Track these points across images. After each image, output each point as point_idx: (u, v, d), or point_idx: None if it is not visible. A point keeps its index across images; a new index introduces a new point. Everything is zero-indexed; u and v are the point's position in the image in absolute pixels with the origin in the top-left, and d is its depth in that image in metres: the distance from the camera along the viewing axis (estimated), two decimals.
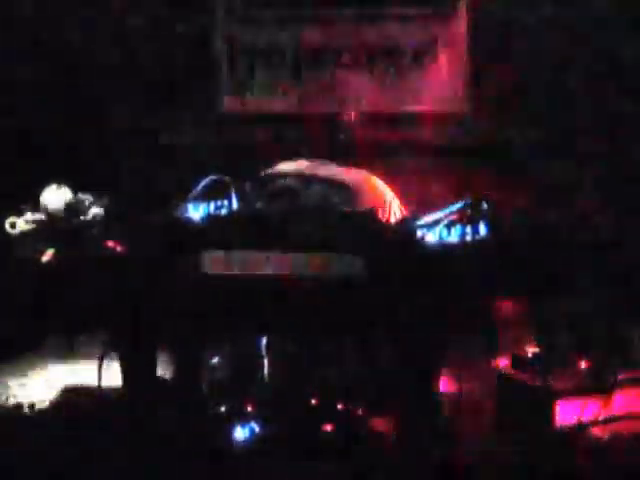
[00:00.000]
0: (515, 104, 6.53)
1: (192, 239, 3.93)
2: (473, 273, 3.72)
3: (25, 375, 5.32)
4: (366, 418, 4.49)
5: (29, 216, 4.06)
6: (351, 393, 4.55)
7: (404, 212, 4.86)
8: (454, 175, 6.43)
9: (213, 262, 3.68)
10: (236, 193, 4.23)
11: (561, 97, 6.46)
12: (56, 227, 4.03)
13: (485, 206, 3.87)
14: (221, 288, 3.60)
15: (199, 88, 6.91)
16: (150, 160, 6.61)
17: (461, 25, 6.73)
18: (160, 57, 6.82)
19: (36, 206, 4.14)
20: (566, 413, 4.32)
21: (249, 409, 4.43)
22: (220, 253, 3.76)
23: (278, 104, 6.92)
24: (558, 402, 4.33)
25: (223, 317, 3.68)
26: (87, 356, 5.02)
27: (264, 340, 4.62)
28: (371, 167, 5.22)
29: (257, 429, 4.36)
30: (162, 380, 4.36)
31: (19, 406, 4.88)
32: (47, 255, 3.81)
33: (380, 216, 4.54)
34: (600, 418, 4.30)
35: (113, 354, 4.11)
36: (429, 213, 3.96)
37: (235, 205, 4.20)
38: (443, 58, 6.75)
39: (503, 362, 4.61)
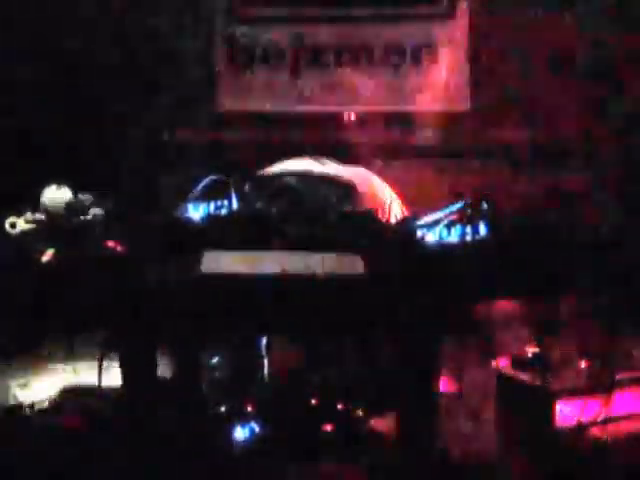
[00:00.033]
0: (515, 104, 6.53)
1: (192, 239, 3.93)
2: (473, 273, 3.72)
3: (25, 375, 5.31)
4: (366, 418, 4.49)
5: (29, 216, 4.06)
6: (351, 393, 4.55)
7: (404, 212, 4.86)
8: (454, 175, 6.43)
9: (213, 262, 3.68)
10: (236, 193, 4.23)
11: (561, 97, 6.45)
12: (56, 227, 4.02)
13: (485, 206, 3.87)
14: (221, 288, 3.59)
15: (199, 88, 6.91)
16: (150, 160, 6.61)
17: (461, 25, 6.73)
18: (160, 57, 6.82)
19: (36, 206, 4.13)
20: (566, 413, 4.32)
21: (249, 409, 4.43)
22: (220, 253, 3.76)
23: (278, 104, 6.92)
24: (558, 402, 4.32)
25: (223, 317, 3.68)
26: (87, 356, 5.02)
27: (264, 340, 4.62)
28: (371, 167, 5.22)
29: (257, 429, 4.36)
30: (162, 380, 4.36)
31: (19, 406, 4.88)
32: (47, 255, 3.80)
33: (380, 216, 4.54)
34: (600, 418, 4.30)
35: (113, 354, 4.11)
36: (429, 213, 3.96)
37: (235, 205, 4.20)
38: (443, 58, 6.76)
39: (503, 362, 4.61)
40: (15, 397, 5.03)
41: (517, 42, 6.54)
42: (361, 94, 6.83)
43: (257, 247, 3.85)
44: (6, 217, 4.04)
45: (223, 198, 4.21)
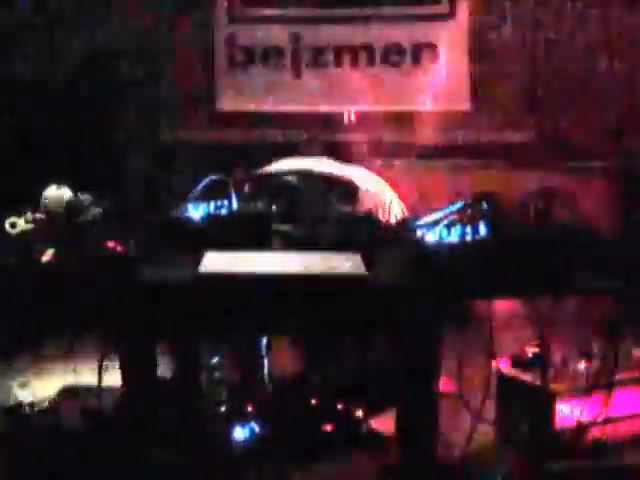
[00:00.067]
0: (515, 104, 6.53)
1: (192, 239, 3.93)
2: (473, 273, 3.72)
3: (25, 375, 5.32)
4: (366, 418, 4.49)
5: (29, 216, 4.06)
6: (351, 393, 4.55)
7: (404, 212, 4.86)
8: (454, 175, 6.43)
9: (213, 262, 3.68)
10: (236, 193, 4.23)
11: (562, 95, 6.46)
12: (56, 227, 4.02)
13: (485, 206, 3.87)
14: (221, 288, 3.59)
15: (198, 87, 6.91)
16: (150, 160, 6.61)
17: (461, 25, 6.74)
18: (160, 56, 6.82)
19: (36, 206, 4.13)
20: (566, 413, 4.32)
21: (249, 409, 4.43)
22: (220, 253, 3.76)
23: (278, 104, 6.92)
24: (558, 402, 4.32)
25: (223, 317, 3.68)
26: (87, 356, 5.02)
27: (264, 340, 4.62)
28: (371, 167, 5.23)
29: (257, 429, 4.36)
30: (162, 380, 4.36)
31: (19, 406, 4.88)
32: (47, 255, 3.80)
33: (380, 215, 4.54)
34: (600, 418, 4.30)
35: (113, 354, 4.11)
36: (429, 213, 3.96)
37: (235, 205, 4.20)
38: (443, 58, 6.76)
39: (503, 362, 4.61)
40: (15, 397, 5.03)
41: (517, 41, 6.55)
42: (361, 94, 6.83)
43: (257, 247, 3.85)
44: (6, 217, 4.04)
45: (223, 198, 4.21)
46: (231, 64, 6.97)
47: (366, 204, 4.57)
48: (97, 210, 4.09)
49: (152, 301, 3.68)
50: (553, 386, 4.36)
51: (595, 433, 4.31)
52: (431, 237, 3.85)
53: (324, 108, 6.87)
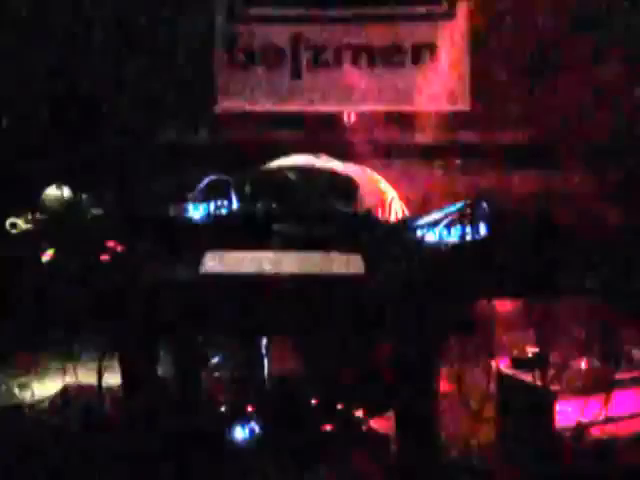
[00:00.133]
0: (515, 103, 6.53)
1: (192, 239, 3.93)
2: (473, 273, 3.72)
3: (25, 375, 5.32)
4: (366, 418, 4.49)
5: (29, 216, 4.06)
6: (351, 393, 4.55)
7: (405, 211, 4.86)
8: (454, 175, 6.43)
9: (213, 262, 3.68)
10: (236, 193, 4.23)
11: (562, 95, 6.46)
12: (56, 227, 4.02)
13: (485, 206, 3.87)
14: (221, 288, 3.59)
15: (198, 87, 6.91)
16: (150, 160, 6.61)
17: (461, 25, 6.74)
18: (160, 56, 6.82)
19: (36, 206, 4.13)
20: (566, 413, 4.32)
21: (249, 409, 4.43)
22: (220, 253, 3.76)
23: (278, 104, 6.92)
24: (558, 402, 4.32)
25: (223, 317, 3.68)
26: (87, 356, 5.02)
27: (264, 340, 4.62)
28: (371, 167, 5.22)
29: (257, 429, 4.36)
30: (162, 380, 4.36)
31: (19, 406, 4.88)
32: (47, 255, 3.80)
33: (381, 213, 4.54)
34: (600, 418, 4.30)
35: (113, 354, 4.11)
36: (429, 213, 3.96)
37: (235, 205, 4.20)
38: (443, 58, 6.76)
39: (503, 362, 4.61)
40: (15, 397, 5.03)
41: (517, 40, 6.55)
42: (361, 94, 6.83)
43: (257, 247, 3.85)
44: (6, 217, 4.04)
45: (223, 198, 4.21)
46: (231, 64, 6.97)
47: (366, 200, 4.56)
48: (97, 210, 4.09)
49: (152, 301, 3.68)
50: (553, 386, 4.35)
51: (595, 433, 4.31)
52: (431, 237, 3.85)
53: (324, 108, 6.87)
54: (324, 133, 6.66)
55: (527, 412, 4.40)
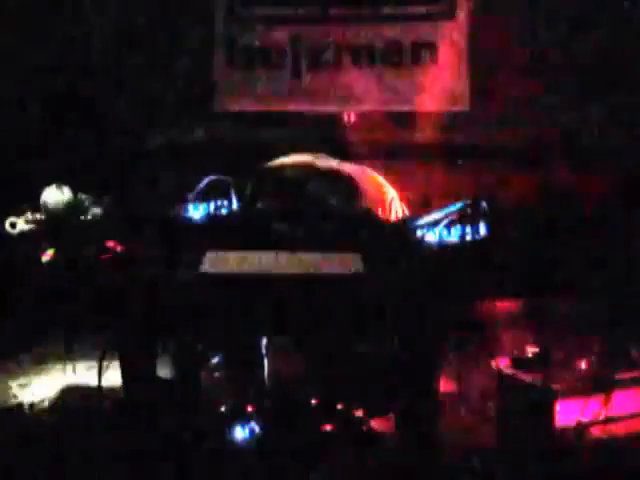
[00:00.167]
0: (516, 103, 6.53)
1: (192, 239, 3.93)
2: (473, 273, 3.72)
3: (25, 375, 5.32)
4: (366, 418, 4.49)
5: (29, 216, 4.06)
6: (351, 393, 4.54)
7: (405, 211, 4.86)
8: (454, 175, 6.43)
9: (213, 262, 3.68)
10: (236, 193, 4.23)
11: (562, 94, 6.46)
12: (56, 227, 4.02)
13: (485, 206, 3.87)
14: (221, 288, 3.59)
15: (199, 88, 6.91)
16: (150, 160, 6.61)
17: (461, 25, 6.73)
18: (160, 56, 6.82)
19: (36, 206, 4.13)
20: (566, 413, 4.32)
21: (249, 409, 4.42)
22: (220, 253, 3.76)
23: (278, 104, 6.92)
24: (558, 402, 4.32)
25: (223, 317, 3.68)
26: (87, 356, 5.02)
27: (264, 340, 4.61)
28: (371, 167, 5.22)
29: (257, 429, 4.36)
30: (162, 380, 4.36)
31: (19, 406, 4.88)
32: (47, 255, 3.80)
33: (381, 213, 4.53)
34: (600, 418, 4.30)
35: (113, 354, 4.11)
36: (429, 213, 3.96)
37: (235, 205, 4.20)
38: (443, 58, 6.75)
39: (503, 362, 4.61)
40: (15, 397, 5.03)
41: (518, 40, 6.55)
42: (361, 94, 6.83)
43: (257, 247, 3.85)
44: (6, 217, 4.04)
45: (223, 198, 4.21)
46: (231, 64, 6.97)
47: (367, 199, 4.56)
48: (97, 210, 4.09)
49: (152, 301, 3.68)
50: (553, 386, 4.35)
51: (595, 433, 4.31)
52: (431, 237, 3.85)
53: (324, 108, 6.87)
54: (324, 133, 6.65)
55: (527, 412, 4.40)
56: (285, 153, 5.04)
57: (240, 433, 4.34)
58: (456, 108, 6.73)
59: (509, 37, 6.60)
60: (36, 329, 4.92)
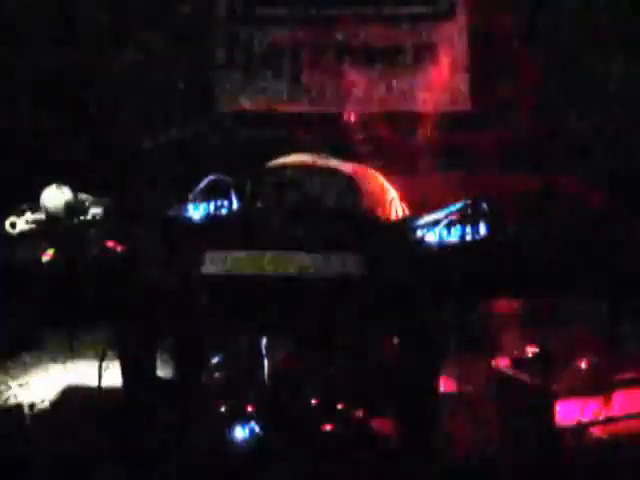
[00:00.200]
0: (516, 103, 6.53)
1: (192, 239, 3.93)
2: (472, 273, 3.72)
3: (25, 375, 5.32)
4: (366, 418, 4.49)
5: (29, 216, 4.06)
6: (351, 393, 4.55)
7: (405, 210, 4.85)
8: (454, 175, 6.43)
9: (213, 262, 3.68)
10: (236, 193, 4.23)
11: (563, 96, 6.46)
12: (56, 227, 4.02)
13: (485, 206, 3.87)
14: (221, 288, 3.59)
15: (199, 88, 6.91)
16: (150, 160, 6.61)
17: (461, 25, 6.74)
18: (160, 56, 6.82)
19: (36, 206, 4.13)
20: (566, 413, 4.32)
21: (249, 409, 4.43)
22: (220, 253, 3.76)
23: (278, 104, 6.92)
24: (558, 402, 4.32)
25: (223, 317, 3.68)
26: (87, 356, 5.03)
27: (264, 340, 4.61)
28: (371, 167, 5.22)
29: (257, 429, 4.36)
30: (162, 380, 4.36)
31: (19, 406, 4.88)
32: (47, 255, 3.80)
33: (381, 213, 4.53)
34: (600, 418, 4.30)
35: (113, 354, 4.11)
36: (429, 213, 3.96)
37: (235, 205, 4.20)
38: (443, 58, 6.76)
39: (503, 362, 4.61)
40: (15, 397, 5.03)
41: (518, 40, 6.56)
42: (361, 94, 6.83)
43: (257, 247, 3.85)
44: (6, 217, 4.04)
45: (223, 198, 4.21)
46: (231, 64, 6.97)
47: (368, 199, 4.56)
48: (97, 210, 4.09)
49: (152, 301, 3.68)
50: (553, 386, 4.36)
51: (595, 432, 4.31)
52: (431, 237, 3.85)
53: (324, 108, 6.87)
54: (324, 133, 6.65)
55: (527, 412, 4.40)
56: (285, 153, 5.04)
57: (240, 433, 4.34)
58: (456, 108, 6.74)
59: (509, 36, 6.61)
60: (36, 329, 4.92)
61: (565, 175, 6.27)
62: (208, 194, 4.21)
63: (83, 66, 6.74)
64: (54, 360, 5.40)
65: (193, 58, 6.89)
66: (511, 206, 4.67)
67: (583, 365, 4.52)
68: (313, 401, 4.48)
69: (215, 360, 4.71)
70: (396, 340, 3.94)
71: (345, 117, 6.86)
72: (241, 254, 3.75)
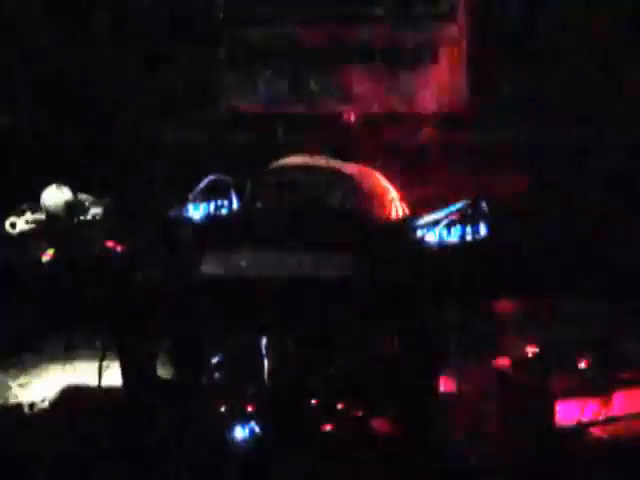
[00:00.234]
0: (516, 103, 6.53)
1: (192, 239, 3.94)
2: (473, 273, 3.72)
3: (25, 375, 5.31)
4: (366, 418, 4.49)
5: (29, 216, 4.06)
6: (351, 393, 4.55)
7: (405, 210, 4.86)
8: (454, 175, 6.43)
9: (213, 262, 3.68)
10: (236, 193, 4.23)
11: (563, 96, 6.46)
12: (56, 227, 4.03)
13: (485, 206, 3.87)
14: (221, 288, 3.59)
15: (200, 88, 6.91)
16: (150, 160, 6.61)
17: (461, 25, 6.74)
18: (161, 57, 6.82)
19: (36, 206, 4.14)
20: (566, 413, 4.32)
21: (249, 409, 4.43)
22: (220, 253, 3.76)
23: (279, 104, 6.92)
24: (558, 402, 4.32)
25: (223, 317, 3.68)
26: (87, 356, 5.02)
27: (264, 340, 4.61)
28: (371, 167, 5.22)
29: (257, 429, 4.36)
30: (162, 380, 4.36)
31: (19, 406, 4.88)
32: (47, 255, 3.81)
33: (382, 213, 4.53)
34: (600, 418, 4.30)
35: (113, 354, 4.11)
36: (429, 213, 3.96)
37: (235, 205, 4.20)
38: (443, 58, 6.76)
39: (503, 362, 4.61)
40: (15, 397, 5.03)
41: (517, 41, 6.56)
42: (361, 94, 6.83)
43: (257, 247, 3.85)
44: (6, 217, 4.04)
45: (223, 198, 4.21)
46: (232, 64, 6.97)
47: (369, 199, 4.56)
48: (97, 210, 4.09)
49: (152, 301, 3.68)
50: (553, 386, 4.35)
51: (595, 433, 4.30)
52: (431, 237, 3.85)
53: (324, 108, 6.87)
54: (324, 133, 6.65)
55: (527, 412, 4.40)
56: (286, 153, 5.04)
57: (240, 433, 4.34)
58: (456, 108, 6.74)
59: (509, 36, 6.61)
60: (36, 329, 4.92)
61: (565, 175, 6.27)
62: (208, 194, 4.21)
63: (84, 66, 6.74)
64: (54, 360, 5.40)
65: (193, 58, 6.89)
66: (511, 206, 4.68)
67: (583, 365, 4.52)
68: (313, 401, 4.48)
69: (215, 360, 4.71)
70: (396, 340, 3.94)
71: (345, 117, 6.86)
72: (241, 254, 3.75)
